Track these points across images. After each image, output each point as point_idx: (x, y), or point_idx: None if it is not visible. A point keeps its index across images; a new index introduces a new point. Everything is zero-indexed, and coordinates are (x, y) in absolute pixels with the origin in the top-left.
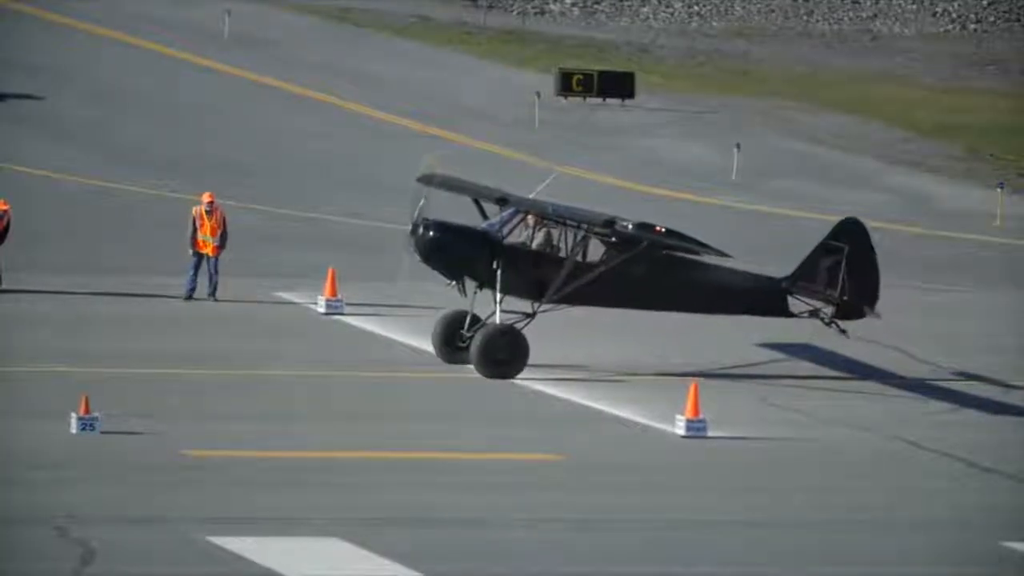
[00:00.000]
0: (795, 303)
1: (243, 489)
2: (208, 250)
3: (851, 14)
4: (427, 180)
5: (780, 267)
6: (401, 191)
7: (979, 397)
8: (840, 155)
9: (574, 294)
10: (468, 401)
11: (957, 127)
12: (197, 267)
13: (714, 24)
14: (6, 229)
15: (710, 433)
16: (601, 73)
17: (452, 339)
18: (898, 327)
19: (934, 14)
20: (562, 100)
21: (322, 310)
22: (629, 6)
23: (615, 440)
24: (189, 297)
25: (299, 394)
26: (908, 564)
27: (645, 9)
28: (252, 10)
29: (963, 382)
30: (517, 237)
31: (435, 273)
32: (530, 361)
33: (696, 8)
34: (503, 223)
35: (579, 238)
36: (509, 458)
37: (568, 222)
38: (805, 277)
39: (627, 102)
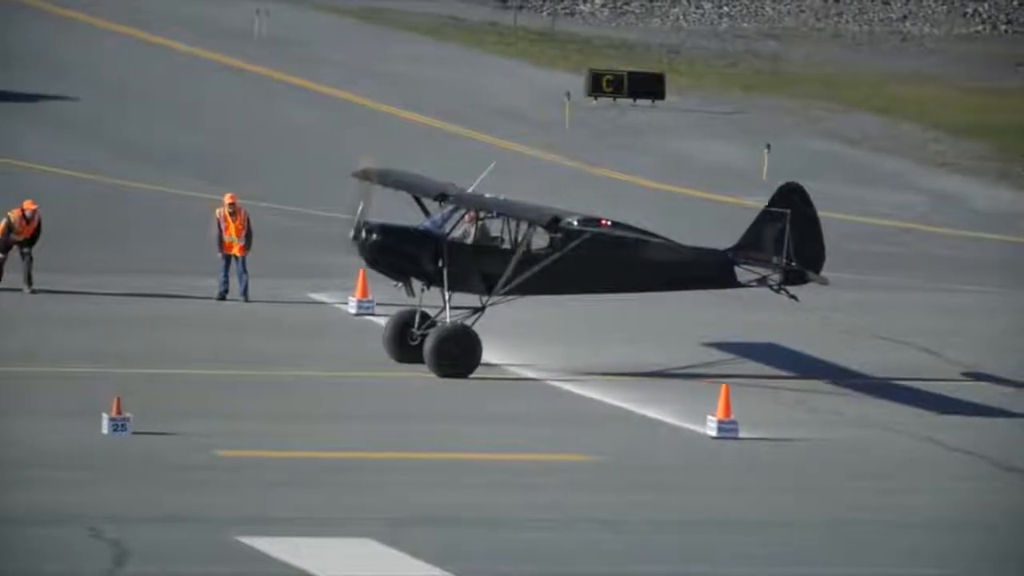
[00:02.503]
0: (744, 273)
1: (275, 489)
2: (235, 251)
3: (881, 15)
4: (364, 176)
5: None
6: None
7: (1009, 398)
8: (871, 156)
9: (522, 285)
10: (498, 402)
11: (988, 127)
12: (227, 268)
13: (745, 25)
14: (37, 229)
15: (741, 434)
16: (631, 74)
17: (403, 338)
18: (928, 328)
19: (964, 15)
20: (592, 101)
21: (353, 311)
22: (659, 7)
23: (646, 441)
24: (222, 298)
25: (331, 394)
26: (943, 566)
27: (675, 10)
28: (284, 10)
29: (992, 384)
30: (459, 232)
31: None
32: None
33: (726, 9)
34: (444, 219)
35: (524, 231)
36: (541, 459)
37: (510, 220)
38: (750, 246)
39: (657, 103)
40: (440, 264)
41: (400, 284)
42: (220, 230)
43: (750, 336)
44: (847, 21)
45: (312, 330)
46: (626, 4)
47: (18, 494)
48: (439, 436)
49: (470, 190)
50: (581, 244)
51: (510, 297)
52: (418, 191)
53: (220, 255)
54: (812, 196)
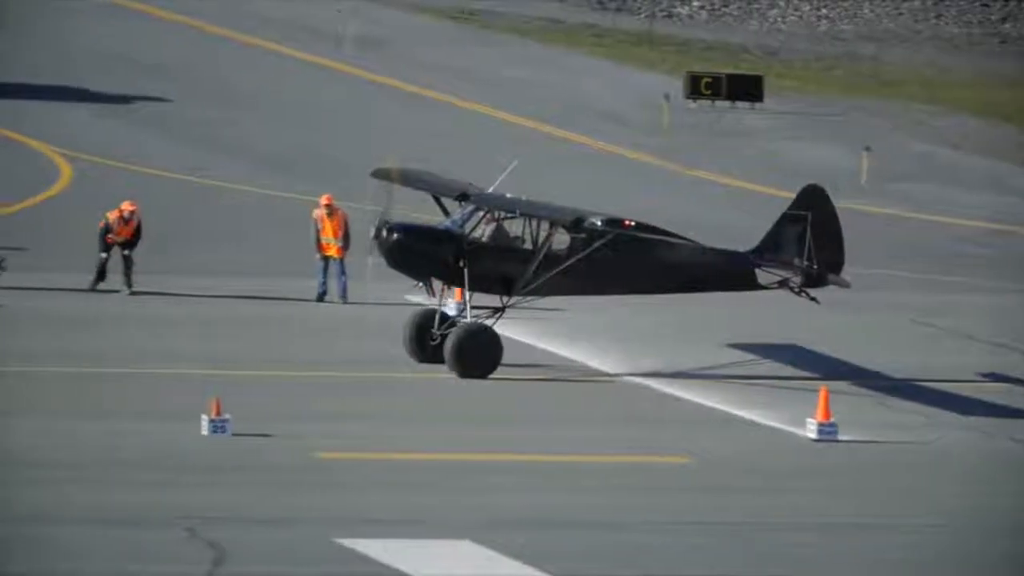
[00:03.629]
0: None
1: (373, 491)
2: (332, 252)
3: (980, 16)
4: (384, 175)
5: (916, 271)
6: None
7: None
8: (970, 158)
9: (544, 285)
10: (594, 404)
11: None
12: (325, 270)
13: (843, 27)
14: (136, 231)
15: (841, 437)
16: (730, 76)
17: (423, 338)
18: None
19: None
20: (690, 103)
21: (452, 313)
22: (757, 9)
23: (744, 443)
24: (320, 299)
25: (428, 396)
26: None
27: (773, 12)
28: (381, 12)
29: None
30: (480, 233)
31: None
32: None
33: (824, 11)
34: (465, 219)
35: (545, 231)
36: (637, 460)
37: (532, 220)
38: (772, 248)
39: (756, 105)
40: (461, 264)
41: (421, 284)
42: (317, 231)
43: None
44: (946, 23)
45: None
46: (724, 6)
47: (118, 495)
48: (535, 438)
49: (490, 190)
50: (603, 245)
51: (531, 298)
52: (439, 191)
53: (318, 257)
54: (914, 198)
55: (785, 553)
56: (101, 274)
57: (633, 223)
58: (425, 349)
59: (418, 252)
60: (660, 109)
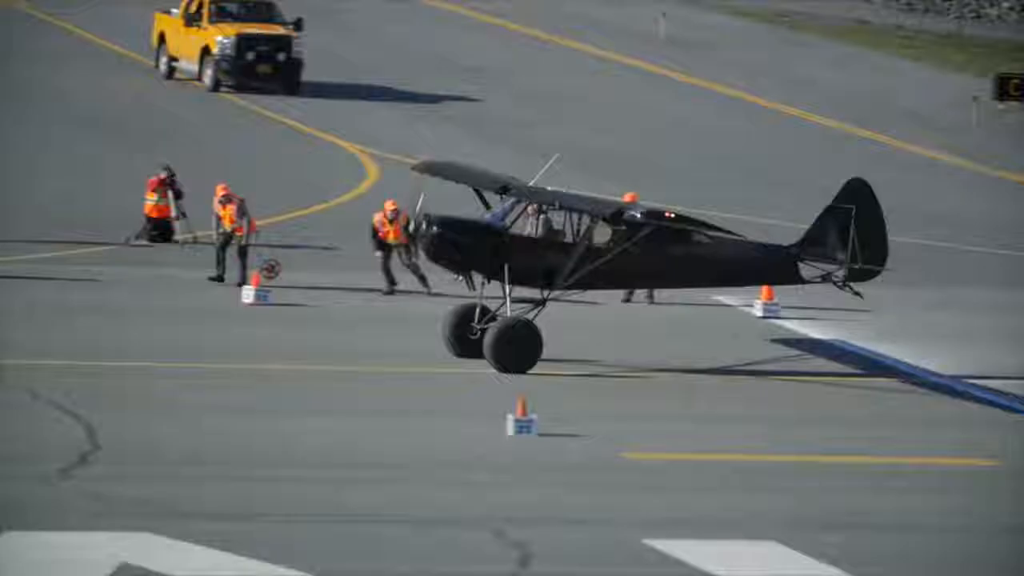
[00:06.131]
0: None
1: (680, 491)
2: None
3: None
4: (424, 169)
5: None
6: (829, 194)
7: None
8: None
9: (585, 279)
10: (892, 405)
11: None
12: None
13: None
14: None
15: None
16: None
17: (463, 332)
18: None
19: None
20: (999, 105)
21: (759, 314)
22: None
23: None
24: (627, 299)
25: (733, 396)
26: None
27: None
28: (688, 13)
29: None
30: (521, 226)
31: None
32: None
33: None
34: (506, 213)
35: (586, 225)
36: (942, 463)
37: (573, 213)
38: (814, 242)
39: None
40: (500, 258)
41: (460, 278)
42: None
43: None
44: None
45: (713, 332)
46: None
47: (426, 494)
48: (840, 439)
49: (532, 183)
50: (644, 238)
51: (572, 291)
52: (479, 184)
53: None
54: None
55: None
56: (390, 278)
57: (673, 215)
58: (465, 344)
59: (458, 245)
60: (968, 110)
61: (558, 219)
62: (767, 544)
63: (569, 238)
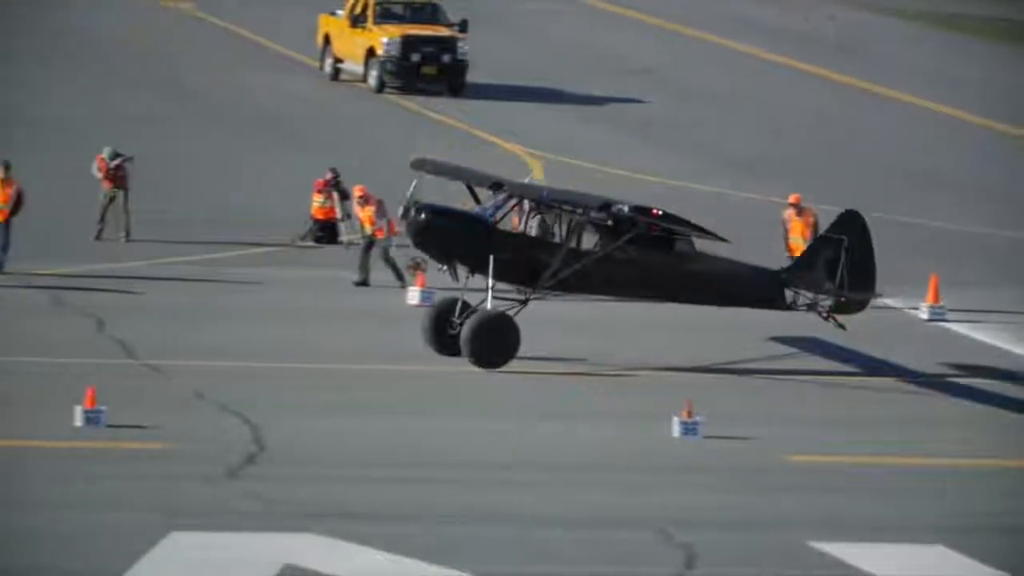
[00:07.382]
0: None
1: (846, 494)
2: (798, 254)
3: None
4: (419, 165)
5: None
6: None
7: None
8: None
9: (568, 281)
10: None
11: None
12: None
13: None
14: None
15: None
16: None
17: (443, 326)
18: None
19: None
20: None
21: (925, 316)
22: None
23: None
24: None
25: (889, 403)
26: None
27: None
28: (854, 15)
29: None
30: (512, 222)
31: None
32: None
33: None
34: (496, 208)
35: (574, 224)
36: None
37: (563, 206)
38: (804, 269)
39: None
40: (485, 250)
41: (444, 268)
42: (785, 231)
43: None
44: None
45: (880, 335)
46: None
47: (587, 496)
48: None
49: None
50: (634, 246)
51: (554, 292)
52: (472, 180)
53: (787, 256)
54: None
55: None
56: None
57: (660, 212)
58: (445, 338)
59: (444, 233)
60: None
61: (550, 219)
62: (934, 548)
63: (558, 238)
